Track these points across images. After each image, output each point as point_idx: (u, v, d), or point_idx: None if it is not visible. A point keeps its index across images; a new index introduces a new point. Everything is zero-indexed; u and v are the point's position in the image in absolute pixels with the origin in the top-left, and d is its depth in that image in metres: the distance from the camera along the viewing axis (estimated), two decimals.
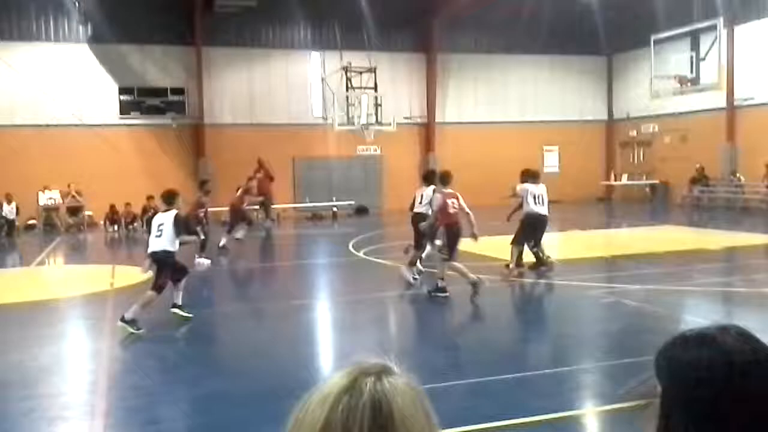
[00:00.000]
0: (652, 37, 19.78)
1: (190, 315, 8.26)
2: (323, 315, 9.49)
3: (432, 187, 10.30)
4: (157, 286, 7.91)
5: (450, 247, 9.43)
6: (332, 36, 25.32)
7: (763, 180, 22.34)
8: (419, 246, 10.55)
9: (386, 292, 10.27)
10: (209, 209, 14.17)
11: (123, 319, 7.56)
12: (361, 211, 24.86)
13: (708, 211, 23.05)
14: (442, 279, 9.38)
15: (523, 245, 11.16)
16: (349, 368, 0.93)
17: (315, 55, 25.31)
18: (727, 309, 9.05)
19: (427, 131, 27.06)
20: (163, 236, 7.91)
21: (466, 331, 8.22)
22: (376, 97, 23.85)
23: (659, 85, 19.45)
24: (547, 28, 27.29)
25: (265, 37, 25.04)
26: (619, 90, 29.09)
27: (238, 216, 15.43)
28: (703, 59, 18.97)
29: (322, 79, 25.02)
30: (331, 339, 8.15)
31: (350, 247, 15.13)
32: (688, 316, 8.29)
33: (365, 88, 23.88)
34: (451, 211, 9.44)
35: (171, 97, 23.65)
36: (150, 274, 8.27)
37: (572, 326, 8.28)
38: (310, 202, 24.38)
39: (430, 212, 9.89)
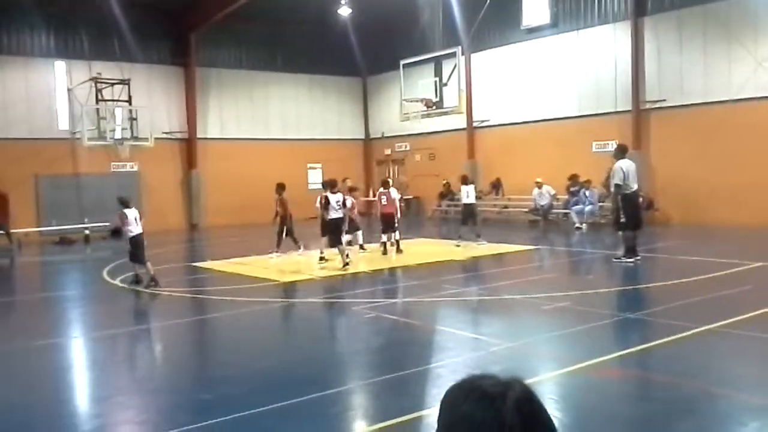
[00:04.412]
0: (401, 62, 21.15)
1: None
2: (73, 355, 8.59)
3: None
4: None
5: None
6: (79, 44, 23.51)
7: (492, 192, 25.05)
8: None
9: (145, 324, 9.73)
10: None
11: None
12: (117, 232, 23.04)
13: (454, 223, 25.18)
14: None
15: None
16: None
17: (59, 65, 23.25)
18: (474, 317, 9.94)
19: (189, 147, 26.22)
20: None
21: (225, 361, 7.95)
22: (130, 111, 22.69)
23: (408, 107, 20.84)
24: (305, 47, 28.05)
25: None
26: (374, 110, 30.74)
27: None
28: (446, 84, 20.70)
29: (69, 90, 23.11)
30: (83, 382, 7.40)
31: (105, 274, 14.08)
32: (441, 327, 8.97)
33: (118, 100, 22.60)
34: None
35: None
36: None
37: (337, 345, 8.54)
38: (58, 224, 22.22)
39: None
